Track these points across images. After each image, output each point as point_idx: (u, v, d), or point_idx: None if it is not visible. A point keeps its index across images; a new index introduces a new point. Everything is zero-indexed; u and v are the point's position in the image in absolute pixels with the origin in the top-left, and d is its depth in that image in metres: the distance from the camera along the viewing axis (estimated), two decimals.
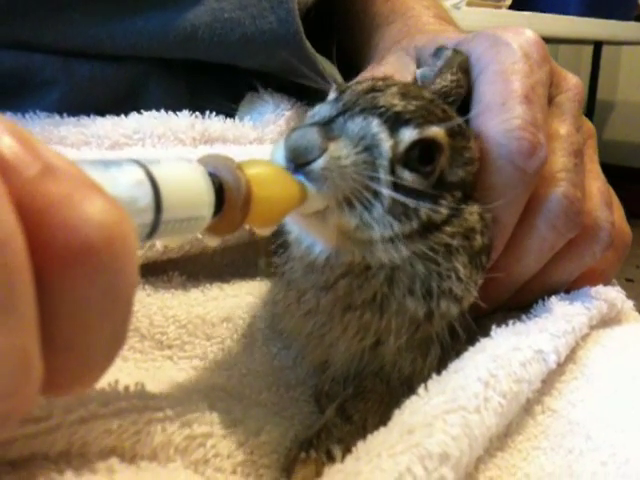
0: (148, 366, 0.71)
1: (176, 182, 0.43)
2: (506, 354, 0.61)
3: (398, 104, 0.62)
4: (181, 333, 0.75)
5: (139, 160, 0.42)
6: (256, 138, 0.94)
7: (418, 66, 0.84)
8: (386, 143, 0.60)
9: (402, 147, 0.61)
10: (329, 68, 1.06)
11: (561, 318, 0.68)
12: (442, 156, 0.63)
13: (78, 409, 0.50)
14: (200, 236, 0.65)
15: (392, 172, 0.60)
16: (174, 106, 0.91)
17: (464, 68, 0.73)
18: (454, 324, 0.66)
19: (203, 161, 0.48)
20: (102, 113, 0.88)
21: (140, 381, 0.57)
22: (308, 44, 0.98)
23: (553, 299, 0.73)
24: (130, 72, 0.93)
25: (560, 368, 0.66)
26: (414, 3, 1.08)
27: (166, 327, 0.74)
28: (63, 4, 0.86)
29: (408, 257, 0.62)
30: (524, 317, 0.70)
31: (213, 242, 0.52)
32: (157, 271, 0.79)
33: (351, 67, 1.08)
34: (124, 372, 0.67)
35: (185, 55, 0.94)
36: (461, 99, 0.71)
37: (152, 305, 0.75)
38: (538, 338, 0.64)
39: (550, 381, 0.65)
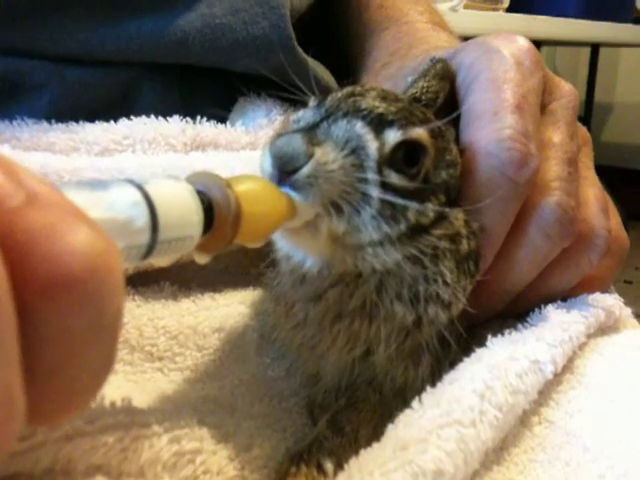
0: (138, 378, 0.70)
1: (170, 201, 0.43)
2: (502, 364, 0.60)
3: (380, 106, 0.62)
4: (172, 344, 0.74)
5: (132, 180, 0.42)
6: (249, 143, 0.93)
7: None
8: (372, 144, 0.60)
9: (388, 148, 0.61)
10: (322, 74, 1.05)
11: (558, 327, 0.67)
12: (427, 157, 0.63)
13: (63, 426, 0.49)
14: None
15: (379, 173, 0.60)
16: (166, 111, 0.91)
17: (441, 75, 0.73)
18: (444, 332, 0.65)
19: (192, 179, 0.48)
20: (93, 118, 0.87)
21: (127, 396, 0.56)
22: (300, 50, 0.97)
23: (550, 307, 0.71)
24: (121, 77, 0.92)
25: (557, 378, 0.65)
26: (408, 9, 1.08)
27: (156, 338, 0.73)
28: (54, 9, 0.86)
29: (397, 261, 0.61)
30: (520, 326, 0.69)
31: (202, 259, 0.51)
32: (148, 281, 0.78)
33: (348, 73, 1.08)
34: (113, 385, 0.66)
35: (176, 60, 0.94)
36: (436, 105, 0.71)
37: (142, 316, 0.74)
38: (535, 347, 0.63)
39: (547, 391, 0.64)
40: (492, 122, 0.67)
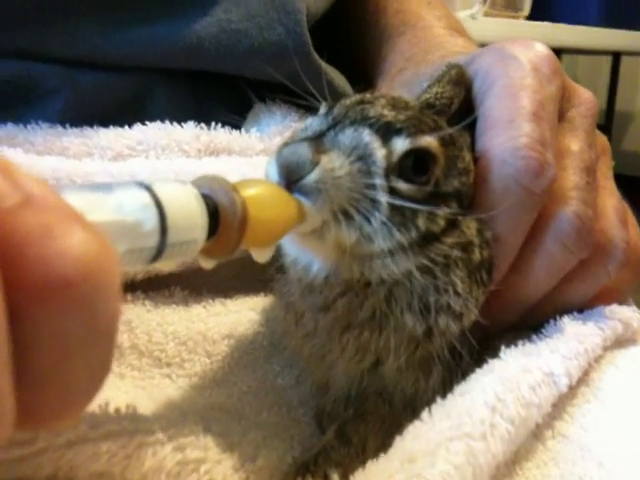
0: (145, 384, 0.69)
1: (177, 204, 0.43)
2: (515, 376, 0.58)
3: (388, 114, 0.61)
4: (181, 350, 0.73)
5: (140, 182, 0.42)
6: (263, 150, 0.92)
7: None
8: (379, 152, 0.59)
9: (395, 157, 0.60)
10: (338, 80, 1.04)
11: (573, 339, 0.66)
12: (436, 166, 0.62)
13: (65, 432, 0.48)
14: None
15: (387, 180, 0.59)
16: (180, 117, 0.90)
17: (456, 80, 0.71)
18: (455, 343, 0.64)
19: (198, 183, 0.48)
20: (107, 123, 0.86)
21: (132, 403, 0.55)
22: (315, 56, 0.96)
23: (565, 319, 0.70)
24: (135, 82, 0.92)
25: (572, 391, 0.64)
26: (425, 14, 1.07)
27: (165, 344, 0.73)
28: (68, 13, 0.86)
29: (408, 271, 0.60)
30: (535, 337, 0.67)
31: (208, 264, 0.51)
32: (158, 286, 0.78)
33: (364, 78, 1.08)
34: (121, 390, 0.66)
35: (190, 66, 0.93)
36: (450, 111, 0.70)
37: (152, 321, 0.73)
38: (549, 359, 0.62)
39: (561, 404, 0.63)
40: (508, 129, 0.65)
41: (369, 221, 0.58)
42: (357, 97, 0.65)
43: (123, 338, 0.71)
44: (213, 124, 0.91)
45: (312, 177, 0.55)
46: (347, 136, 0.59)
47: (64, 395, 0.32)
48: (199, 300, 0.80)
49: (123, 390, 0.66)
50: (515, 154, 0.64)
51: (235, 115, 0.95)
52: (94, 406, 0.53)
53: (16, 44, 0.85)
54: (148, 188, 0.42)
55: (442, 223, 0.61)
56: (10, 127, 0.83)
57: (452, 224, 0.62)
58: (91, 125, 0.86)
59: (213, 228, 0.46)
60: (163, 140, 0.86)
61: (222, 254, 0.49)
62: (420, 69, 0.91)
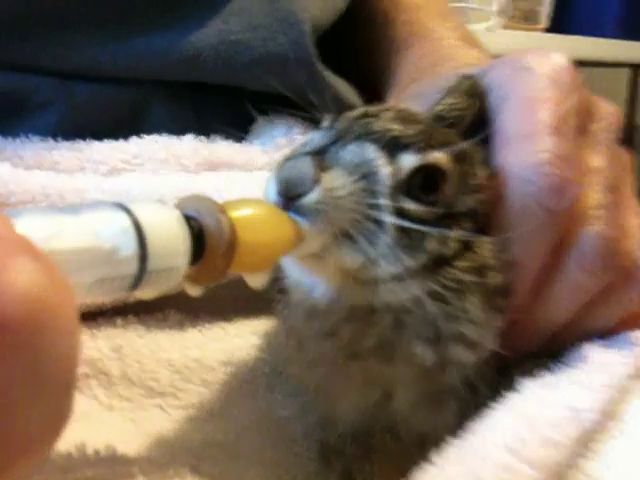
0: (136, 416, 0.65)
1: (159, 228, 0.41)
2: (534, 412, 0.54)
3: (395, 128, 0.58)
4: (175, 379, 0.69)
5: (119, 203, 0.41)
6: (266, 163, 0.88)
7: None
8: (385, 169, 0.56)
9: (403, 174, 0.57)
10: (346, 92, 1.01)
11: (596, 368, 0.62)
12: (447, 183, 0.58)
13: (30, 475, 0.44)
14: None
15: (394, 200, 0.56)
16: (178, 130, 0.87)
17: (470, 92, 0.68)
18: (470, 375, 0.60)
19: (182, 203, 0.47)
20: (102, 137, 0.83)
21: (113, 442, 0.51)
22: (320, 67, 0.94)
23: (587, 346, 0.65)
24: (132, 94, 0.88)
25: (596, 426, 0.58)
26: (436, 25, 1.04)
27: (158, 372, 0.68)
28: (62, 24, 0.83)
29: (417, 297, 0.56)
30: (554, 367, 0.63)
31: (194, 291, 0.49)
32: (152, 308, 0.74)
33: (373, 91, 1.04)
34: (107, 424, 0.62)
35: (189, 77, 0.90)
36: (463, 124, 0.67)
37: (144, 347, 0.69)
38: (571, 392, 0.57)
39: (584, 440, 0.57)
40: (526, 145, 0.62)
41: (373, 244, 0.54)
42: (361, 110, 0.62)
43: (113, 366, 0.66)
44: (213, 137, 0.88)
45: (312, 197, 0.53)
46: (350, 152, 0.56)
47: (8, 445, 0.28)
48: (195, 324, 0.75)
49: (110, 423, 0.62)
50: (535, 171, 0.60)
51: (237, 129, 0.92)
52: (70, 447, 0.49)
53: (7, 55, 0.82)
54: (126, 210, 0.40)
55: (455, 245, 0.57)
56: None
57: (466, 246, 0.58)
58: (85, 139, 0.82)
59: (198, 252, 0.45)
60: (160, 153, 0.82)
61: (209, 280, 0.48)
62: (432, 81, 0.88)
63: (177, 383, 0.69)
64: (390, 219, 0.54)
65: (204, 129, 0.89)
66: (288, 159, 0.56)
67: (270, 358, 0.75)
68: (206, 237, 0.45)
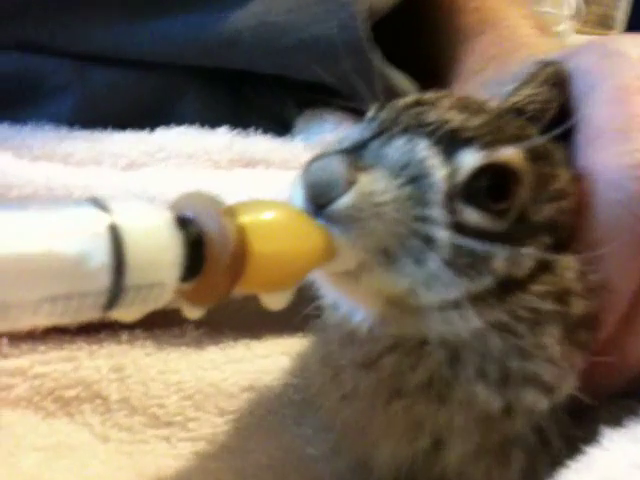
0: (134, 450, 0.56)
1: (142, 232, 0.35)
2: (622, 474, 0.43)
3: (455, 119, 0.48)
4: (185, 406, 0.59)
5: (95, 199, 0.34)
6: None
7: None
8: (439, 171, 0.46)
9: (462, 176, 0.46)
10: (404, 84, 0.93)
11: None
12: (521, 187, 0.48)
13: None
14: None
15: (450, 210, 0.45)
16: (213, 123, 0.79)
17: (554, 81, 0.58)
18: (542, 423, 0.50)
19: (180, 203, 0.39)
20: (123, 128, 0.76)
21: None
22: (373, 55, 0.84)
23: None
24: (159, 81, 0.81)
25: None
26: (508, 12, 0.95)
27: (166, 398, 0.59)
28: (80, 1, 0.76)
29: (479, 329, 0.46)
30: None
31: (193, 313, 0.42)
32: (167, 322, 0.64)
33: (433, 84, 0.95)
34: (98, 459, 0.52)
35: (225, 64, 0.82)
36: (545, 119, 0.56)
37: (151, 368, 0.60)
38: None
39: None
40: (618, 143, 0.51)
41: (423, 265, 0.44)
42: (413, 97, 0.52)
43: (112, 389, 0.57)
44: (251, 131, 0.80)
45: (345, 201, 0.43)
46: (396, 149, 0.46)
47: None
48: (217, 341, 0.66)
49: (101, 459, 0.53)
50: (627, 174, 0.50)
51: (279, 123, 0.83)
52: None
53: (20, 34, 0.76)
54: (104, 208, 0.34)
55: (530, 265, 0.47)
56: (6, 127, 0.73)
57: (543, 266, 0.48)
58: (104, 129, 0.75)
59: (196, 265, 0.37)
60: (189, 147, 0.74)
61: (210, 300, 0.40)
62: (504, 67, 0.78)
63: (187, 411, 0.59)
64: (444, 235, 0.44)
65: (241, 122, 0.81)
66: (317, 158, 0.46)
67: (302, 384, 0.65)
68: (206, 246, 0.37)
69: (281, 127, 0.85)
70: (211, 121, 0.79)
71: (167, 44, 0.78)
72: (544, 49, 0.79)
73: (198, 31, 0.79)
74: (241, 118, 0.82)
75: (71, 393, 0.56)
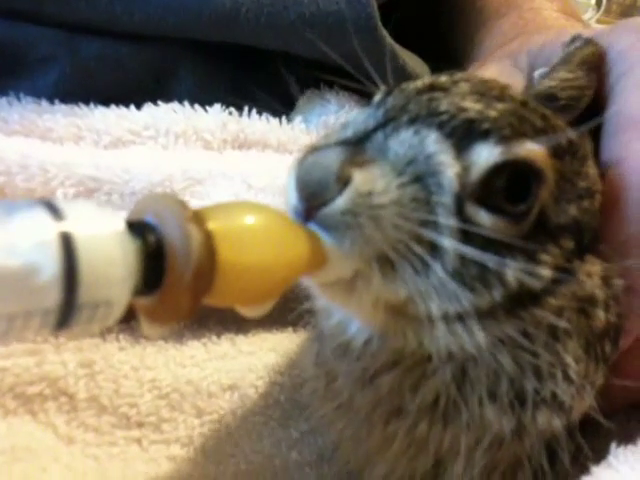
0: (101, 453, 0.52)
1: (97, 243, 0.31)
2: None
3: (471, 108, 0.43)
4: (159, 406, 0.56)
5: (47, 201, 0.31)
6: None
7: (530, 74, 0.65)
8: (450, 169, 0.41)
9: (476, 174, 0.42)
10: (415, 64, 0.87)
11: None
12: (542, 187, 0.43)
13: None
14: None
15: (460, 214, 0.41)
16: (210, 101, 0.75)
17: (590, 64, 0.53)
18: (554, 442, 0.46)
19: (141, 206, 0.35)
20: (111, 103, 0.71)
21: None
22: (384, 32, 0.79)
23: None
24: (153, 55, 0.77)
25: None
26: None
27: (139, 397, 0.56)
28: None
29: (489, 344, 0.42)
30: None
31: (152, 332, 0.36)
32: None
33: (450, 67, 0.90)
34: (60, 463, 0.48)
35: (224, 38, 0.78)
36: (579, 107, 0.52)
37: (123, 364, 0.56)
38: None
39: None
40: None
41: (425, 275, 0.40)
42: (427, 80, 0.47)
43: (78, 386, 0.53)
44: (246, 110, 0.75)
45: (339, 204, 0.39)
46: (402, 141, 0.42)
47: None
48: (199, 335, 0.62)
49: (64, 463, 0.49)
50: None
51: (280, 103, 0.78)
52: None
53: (6, 2, 0.72)
54: (57, 213, 0.30)
55: (547, 274, 0.42)
56: None
57: (564, 272, 0.43)
58: (88, 104, 0.70)
59: (156, 278, 0.33)
60: (178, 126, 0.71)
61: (172, 316, 0.35)
62: (529, 40, 0.72)
63: (162, 411, 0.56)
64: (450, 244, 0.40)
65: (238, 101, 0.76)
66: (313, 150, 0.41)
67: (290, 383, 0.61)
68: (166, 256, 0.33)
69: (282, 107, 0.80)
70: (206, 100, 0.75)
71: (161, 16, 0.74)
72: (572, 32, 0.75)
73: (193, 3, 0.74)
74: (240, 97, 0.77)
75: (34, 390, 0.52)
